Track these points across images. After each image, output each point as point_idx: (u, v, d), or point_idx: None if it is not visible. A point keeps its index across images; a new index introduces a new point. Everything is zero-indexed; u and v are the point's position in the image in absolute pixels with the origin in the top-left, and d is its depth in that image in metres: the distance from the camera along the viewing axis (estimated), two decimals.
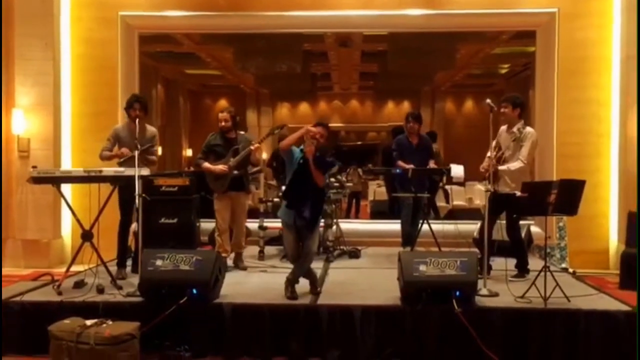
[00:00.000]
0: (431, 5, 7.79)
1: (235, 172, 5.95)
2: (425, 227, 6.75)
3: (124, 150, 5.46)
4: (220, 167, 5.91)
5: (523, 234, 6.95)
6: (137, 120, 5.45)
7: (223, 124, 5.99)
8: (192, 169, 11.42)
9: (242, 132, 6.27)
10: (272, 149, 10.26)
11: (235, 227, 6.17)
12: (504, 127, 5.70)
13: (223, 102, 16.28)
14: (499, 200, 5.40)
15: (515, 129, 5.50)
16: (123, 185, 5.23)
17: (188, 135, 15.72)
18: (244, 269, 6.15)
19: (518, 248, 5.71)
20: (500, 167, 5.43)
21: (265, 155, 12.87)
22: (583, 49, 7.57)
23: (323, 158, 4.80)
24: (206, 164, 5.97)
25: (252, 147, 5.92)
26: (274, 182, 9.44)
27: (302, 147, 4.84)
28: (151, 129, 5.78)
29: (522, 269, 5.63)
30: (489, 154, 5.63)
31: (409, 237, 6.83)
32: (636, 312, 4.43)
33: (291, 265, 6.15)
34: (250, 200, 10.45)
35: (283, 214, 4.96)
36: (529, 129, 5.55)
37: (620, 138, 7.43)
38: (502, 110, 5.56)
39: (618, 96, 7.49)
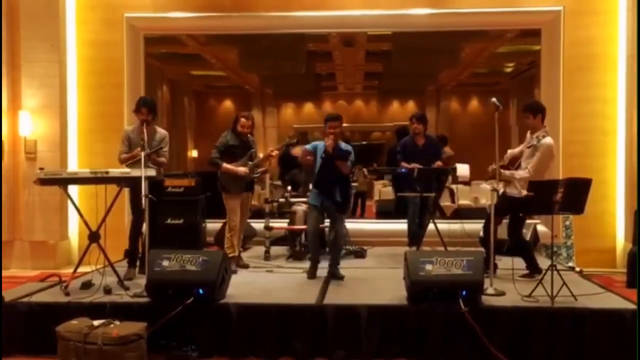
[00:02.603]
0: (435, 4, 7.79)
1: (254, 175, 6.13)
2: (431, 226, 6.75)
3: (138, 150, 5.44)
4: (243, 169, 5.99)
5: (530, 233, 6.96)
6: (145, 124, 5.48)
7: (246, 130, 6.09)
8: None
9: (250, 137, 6.36)
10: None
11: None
12: (529, 133, 5.62)
13: (228, 103, 16.28)
14: (505, 201, 5.41)
15: (535, 137, 5.42)
16: (133, 186, 5.24)
17: (193, 136, 15.74)
18: (246, 266, 6.20)
19: (523, 250, 5.69)
20: (504, 172, 5.41)
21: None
22: (588, 47, 7.56)
23: (340, 149, 5.47)
24: (227, 165, 5.99)
25: (272, 154, 6.15)
26: (279, 182, 9.46)
27: (323, 142, 5.55)
28: (161, 131, 5.79)
29: (534, 269, 5.58)
30: (509, 152, 5.70)
31: (415, 236, 6.83)
32: (636, 310, 4.41)
33: (297, 266, 6.19)
34: (256, 202, 10.50)
35: (312, 197, 5.67)
36: (546, 140, 5.38)
37: (627, 136, 7.41)
38: (525, 120, 5.52)
39: (624, 94, 7.47)
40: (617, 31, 7.53)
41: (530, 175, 5.31)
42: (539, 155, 5.34)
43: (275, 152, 6.22)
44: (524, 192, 5.23)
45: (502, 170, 5.39)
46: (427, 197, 6.81)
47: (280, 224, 7.06)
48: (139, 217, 5.48)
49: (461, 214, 8.80)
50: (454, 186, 10.05)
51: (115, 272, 5.21)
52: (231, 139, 6.10)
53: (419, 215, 6.90)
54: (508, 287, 4.94)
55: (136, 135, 5.61)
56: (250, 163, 6.05)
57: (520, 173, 5.39)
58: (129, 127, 5.96)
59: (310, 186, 6.14)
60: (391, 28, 8.72)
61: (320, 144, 5.62)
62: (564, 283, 4.68)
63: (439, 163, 6.90)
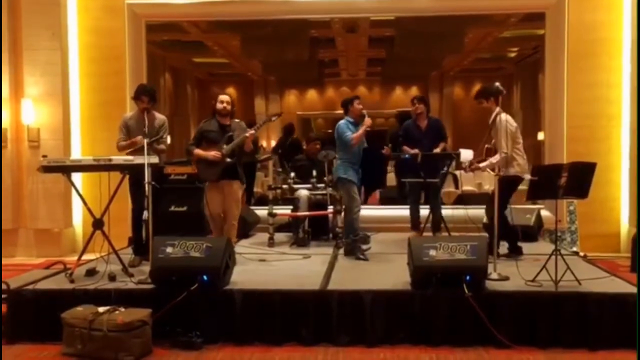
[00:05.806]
0: None
1: (228, 160, 5.61)
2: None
3: (139, 138, 5.39)
4: (213, 153, 5.55)
5: (533, 218, 6.97)
6: (145, 113, 5.45)
7: (224, 105, 5.68)
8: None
9: (236, 120, 5.89)
10: (278, 136, 10.16)
11: (226, 217, 5.76)
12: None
13: (231, 90, 16.21)
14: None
15: (491, 119, 5.59)
16: (133, 173, 5.23)
17: (196, 123, 15.70)
18: None
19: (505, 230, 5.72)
20: (482, 165, 5.59)
21: (272, 142, 12.80)
22: (593, 31, 7.50)
23: None
24: (198, 150, 5.63)
25: (246, 135, 5.55)
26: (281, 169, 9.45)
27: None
28: (160, 117, 5.73)
29: (513, 249, 5.75)
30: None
31: (418, 222, 6.84)
32: (636, 295, 4.40)
33: (301, 252, 6.21)
34: (260, 189, 10.44)
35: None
36: (501, 117, 5.55)
37: (631, 121, 7.37)
38: (480, 105, 5.71)
39: (628, 78, 7.42)
40: (621, 15, 7.48)
41: (505, 154, 5.47)
42: (501, 131, 5.50)
43: (252, 132, 5.59)
44: (512, 171, 5.51)
45: (479, 165, 5.59)
46: (431, 182, 6.79)
47: (283, 211, 7.06)
48: (139, 205, 5.46)
49: (465, 199, 8.78)
50: (457, 172, 10.02)
51: (120, 259, 5.22)
52: (207, 125, 5.75)
53: (427, 201, 6.90)
54: (512, 272, 4.94)
55: (135, 123, 5.57)
56: (225, 147, 5.61)
57: (496, 157, 5.51)
58: (127, 114, 5.90)
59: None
60: (394, 13, 8.66)
61: None
62: (568, 267, 4.67)
63: (443, 144, 6.88)
